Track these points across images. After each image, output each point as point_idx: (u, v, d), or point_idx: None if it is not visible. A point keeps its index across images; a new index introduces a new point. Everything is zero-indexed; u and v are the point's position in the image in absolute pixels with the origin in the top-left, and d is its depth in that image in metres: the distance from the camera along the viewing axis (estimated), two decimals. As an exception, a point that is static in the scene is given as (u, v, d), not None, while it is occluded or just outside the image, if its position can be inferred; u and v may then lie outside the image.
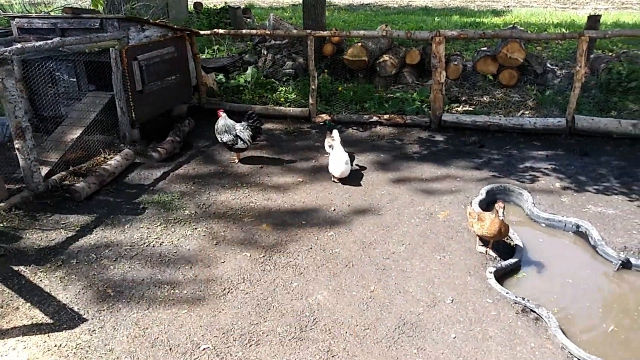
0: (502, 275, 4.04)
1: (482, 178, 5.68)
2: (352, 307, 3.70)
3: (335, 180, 5.74)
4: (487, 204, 5.17)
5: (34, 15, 7.50)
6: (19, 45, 5.16)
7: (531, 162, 6.10)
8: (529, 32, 10.29)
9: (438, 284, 3.92)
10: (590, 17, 9.50)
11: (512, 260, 4.13)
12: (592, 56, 9.01)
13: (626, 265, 4.11)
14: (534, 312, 3.54)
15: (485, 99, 8.33)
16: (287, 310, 3.69)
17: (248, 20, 13.64)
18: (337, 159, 5.65)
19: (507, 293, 3.72)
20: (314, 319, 3.59)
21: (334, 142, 5.98)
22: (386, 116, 7.55)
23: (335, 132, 6.10)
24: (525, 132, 6.96)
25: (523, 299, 3.65)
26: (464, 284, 3.89)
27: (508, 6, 19.62)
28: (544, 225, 4.81)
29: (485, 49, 9.67)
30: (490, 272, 3.95)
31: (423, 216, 4.92)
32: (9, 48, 4.95)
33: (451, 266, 4.12)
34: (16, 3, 13.59)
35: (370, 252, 4.36)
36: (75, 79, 6.69)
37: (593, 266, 4.23)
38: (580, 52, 6.53)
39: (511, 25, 10.37)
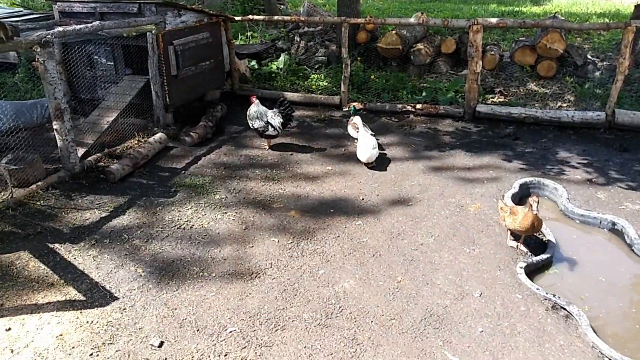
0: (532, 271, 3.95)
1: (515, 171, 5.55)
2: (379, 296, 3.69)
3: (366, 164, 5.78)
4: (520, 198, 5.06)
5: (74, -1, 7.65)
6: (60, 29, 5.28)
7: (567, 157, 5.93)
8: (571, 22, 9.95)
9: (466, 277, 3.86)
10: (637, 6, 9.09)
11: (543, 256, 4.04)
12: (637, 48, 8.65)
13: (664, 265, 3.97)
14: (565, 309, 3.46)
15: (521, 90, 8.12)
16: (314, 297, 3.70)
17: (282, 7, 13.61)
18: (364, 144, 5.72)
19: (538, 289, 3.64)
20: (340, 307, 3.60)
21: (359, 128, 6.00)
22: (419, 105, 7.44)
23: (357, 118, 6.12)
24: (562, 125, 6.75)
25: (554, 295, 3.56)
26: (493, 278, 3.83)
27: (549, -5, 18.97)
28: (578, 221, 4.68)
29: (523, 38, 9.38)
30: (521, 267, 3.87)
31: (453, 208, 4.85)
32: (51, 31, 5.07)
33: (480, 260, 4.06)
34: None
35: (398, 243, 4.33)
36: (112, 63, 6.81)
37: (628, 265, 4.09)
38: (625, 43, 6.28)
39: (552, 15, 10.02)
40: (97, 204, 4.96)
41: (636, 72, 7.94)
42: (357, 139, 6.07)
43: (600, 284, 3.88)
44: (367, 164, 5.79)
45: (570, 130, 6.65)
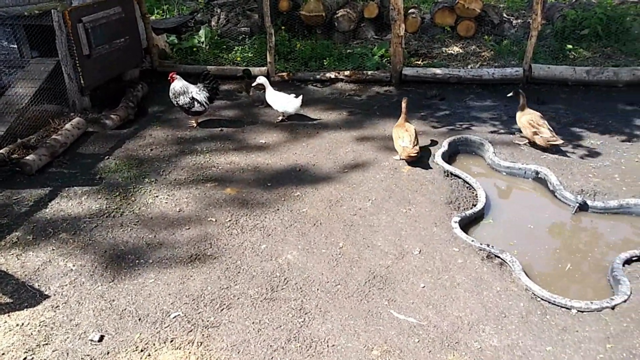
0: (467, 224, 4.11)
1: (444, 130, 5.71)
2: (322, 264, 3.70)
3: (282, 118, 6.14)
4: (450, 156, 5.22)
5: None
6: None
7: (491, 113, 6.17)
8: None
9: (405, 236, 3.96)
10: (544, -35, 9.50)
11: (475, 209, 4.21)
12: (547, 5, 9.05)
13: (583, 207, 4.25)
14: (499, 257, 3.64)
15: (444, 51, 8.31)
16: (257, 272, 3.66)
17: (198, -23, 13.02)
18: (283, 98, 5.99)
19: (473, 241, 3.80)
20: (285, 279, 3.58)
21: (267, 89, 6.06)
22: (346, 72, 7.43)
23: (262, 78, 6.11)
24: (484, 83, 7.00)
25: (488, 245, 3.73)
26: (430, 235, 3.95)
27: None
28: (505, 173, 4.90)
29: (442, 0, 9.57)
30: (455, 222, 4.01)
31: (387, 171, 4.92)
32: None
33: (417, 218, 4.16)
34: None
35: (337, 210, 4.35)
36: (15, 45, 6.26)
37: (551, 210, 4.36)
38: (537, 1, 6.53)
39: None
40: (14, 199, 4.60)
41: (548, 28, 8.33)
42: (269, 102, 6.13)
43: (527, 230, 4.10)
44: (285, 118, 6.09)
45: (492, 87, 6.91)
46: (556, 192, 4.46)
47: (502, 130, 5.65)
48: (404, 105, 5.24)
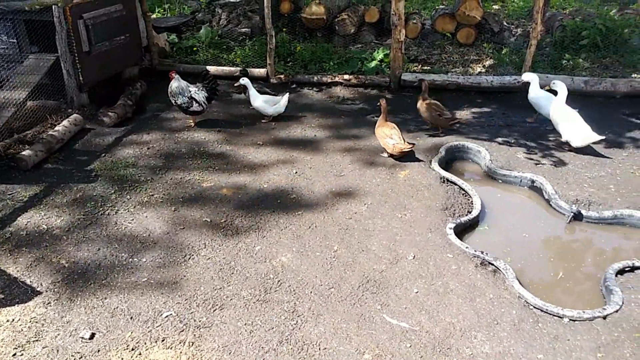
0: (461, 231, 4.12)
1: (441, 137, 5.71)
2: (316, 267, 3.70)
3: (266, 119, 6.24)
4: (447, 162, 5.23)
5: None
6: (-53, 2, 4.74)
7: (489, 120, 6.18)
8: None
9: (400, 241, 3.96)
10: (545, -26, 9.55)
11: (470, 216, 4.22)
12: (547, 14, 9.10)
13: (577, 217, 4.26)
14: (492, 264, 3.64)
15: (443, 57, 8.33)
16: (251, 274, 3.65)
17: (200, -23, 13.04)
18: (264, 100, 6.12)
19: (467, 247, 3.80)
20: (279, 281, 3.58)
21: (250, 90, 6.11)
22: (346, 76, 7.45)
23: (244, 79, 6.14)
24: (482, 90, 7.02)
25: (482, 252, 3.74)
26: (425, 241, 3.95)
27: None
28: (501, 181, 4.91)
29: (443, 7, 9.61)
30: (450, 228, 4.02)
31: (384, 176, 4.93)
32: (-64, 5, 4.54)
33: (412, 224, 4.17)
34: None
35: (333, 213, 4.35)
36: (15, 40, 6.23)
37: (547, 219, 4.37)
38: (537, 9, 6.57)
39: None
40: (9, 195, 4.58)
41: (547, 37, 8.37)
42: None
43: (522, 238, 4.11)
44: (271, 119, 6.21)
45: (491, 95, 6.93)
46: (551, 201, 4.47)
47: (498, 138, 5.66)
48: (383, 104, 5.32)
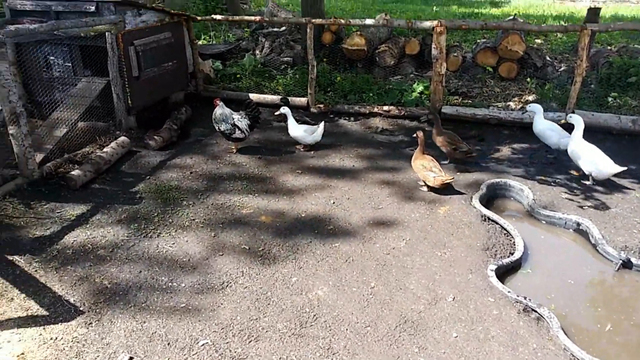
0: (503, 273, 4.02)
1: (482, 172, 5.64)
2: (353, 303, 3.67)
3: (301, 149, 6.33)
4: (488, 199, 5.15)
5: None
6: (11, 28, 5.02)
7: (531, 157, 6.07)
8: (530, 24, 10.22)
9: (439, 281, 3.89)
10: (590, 10, 9.46)
11: (513, 258, 4.11)
12: (592, 50, 8.97)
13: (627, 265, 4.10)
14: (536, 311, 3.52)
15: (484, 91, 8.28)
16: (287, 306, 3.65)
17: (244, 6, 13.46)
18: (302, 129, 6.23)
19: (509, 292, 3.70)
20: (314, 315, 3.56)
21: (289, 119, 6.24)
22: (385, 107, 7.48)
23: (285, 109, 6.27)
24: (524, 126, 6.90)
25: (525, 298, 3.63)
26: (465, 282, 3.87)
27: (507, -3, 19.49)
28: (544, 222, 4.79)
29: (485, 40, 9.60)
30: (492, 270, 3.93)
31: (423, 211, 4.88)
32: (2, 30, 4.81)
33: (452, 263, 4.10)
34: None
35: (370, 247, 4.32)
36: (70, 64, 6.54)
37: (593, 265, 4.22)
38: (582, 46, 6.48)
39: (512, 17, 10.28)
40: (58, 213, 4.74)
41: (592, 74, 8.23)
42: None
43: (567, 284, 3.98)
44: (304, 146, 6.31)
45: (533, 131, 6.80)
46: (598, 247, 4.32)
47: (542, 176, 5.55)
48: (420, 136, 5.34)
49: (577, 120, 5.43)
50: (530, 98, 7.88)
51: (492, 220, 4.66)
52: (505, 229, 4.53)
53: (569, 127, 5.66)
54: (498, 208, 5.10)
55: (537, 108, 5.95)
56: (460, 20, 7.23)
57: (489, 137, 6.68)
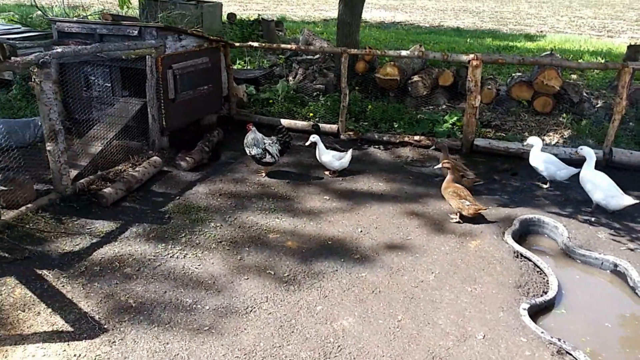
0: (536, 312, 3.86)
1: (514, 207, 5.50)
2: (379, 336, 3.57)
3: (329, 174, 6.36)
4: (521, 235, 5.00)
5: (74, 20, 7.63)
6: (59, 49, 5.22)
7: (566, 194, 5.91)
8: (569, 60, 10.09)
9: (469, 317, 3.76)
10: (630, 47, 9.32)
11: (546, 297, 3.96)
12: (631, 88, 8.77)
13: (669, 310, 3.90)
14: (571, 354, 3.36)
15: (518, 125, 8.16)
16: (311, 335, 3.57)
17: (280, 33, 13.72)
18: (330, 155, 6.27)
19: (542, 332, 3.55)
20: (339, 346, 3.47)
21: (318, 145, 6.25)
22: (416, 137, 7.42)
23: (315, 137, 6.26)
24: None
25: (559, 339, 3.47)
26: (496, 320, 3.73)
27: (541, 31, 19.40)
28: (579, 261, 4.62)
29: (520, 74, 9.52)
30: (524, 309, 3.78)
31: (453, 244, 4.77)
32: (50, 52, 5.01)
33: (483, 299, 3.96)
34: (55, 5, 13.94)
35: (397, 279, 4.23)
36: (109, 84, 6.74)
37: (632, 308, 4.03)
38: (623, 84, 6.34)
39: (549, 52, 10.19)
40: (88, 229, 4.81)
41: (631, 112, 8.03)
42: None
43: (603, 327, 3.79)
44: (332, 172, 6.34)
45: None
46: (637, 289, 4.13)
47: (577, 214, 5.38)
48: (450, 164, 5.40)
49: (588, 153, 5.51)
50: (566, 134, 7.72)
51: (525, 257, 4.51)
52: (538, 267, 4.38)
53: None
54: (531, 245, 4.95)
55: (536, 141, 6.08)
56: (497, 55, 7.20)
57: (521, 172, 6.53)
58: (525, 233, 5.11)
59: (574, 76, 10.54)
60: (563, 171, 5.85)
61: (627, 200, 5.12)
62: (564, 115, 8.26)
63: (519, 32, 18.85)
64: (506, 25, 21.56)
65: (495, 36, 17.06)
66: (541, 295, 4.00)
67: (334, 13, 19.44)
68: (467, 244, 4.78)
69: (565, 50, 13.36)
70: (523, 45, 14.61)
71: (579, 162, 5.77)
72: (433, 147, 6.80)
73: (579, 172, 5.55)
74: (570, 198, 5.80)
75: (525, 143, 6.29)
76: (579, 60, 11.18)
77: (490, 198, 5.76)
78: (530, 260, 4.46)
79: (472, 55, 6.83)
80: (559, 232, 4.96)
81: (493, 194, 5.85)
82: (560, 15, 26.20)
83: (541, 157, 6.00)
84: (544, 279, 4.25)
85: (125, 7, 9.62)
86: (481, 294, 4.02)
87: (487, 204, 5.55)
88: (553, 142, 7.40)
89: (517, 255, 4.55)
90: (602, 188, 5.28)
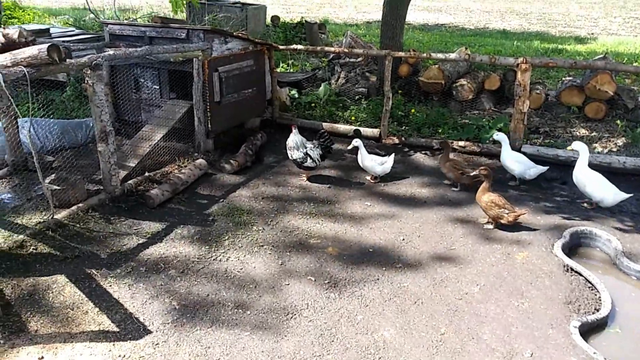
0: (587, 331, 3.70)
1: (564, 218, 5.30)
2: (421, 349, 3.49)
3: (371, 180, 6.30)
4: (570, 248, 4.80)
5: (125, 22, 7.86)
6: (110, 52, 5.38)
7: (620, 205, 5.63)
8: (624, 64, 9.67)
9: (516, 333, 3.63)
10: (691, 51, 8.79)
11: (599, 315, 3.78)
12: (692, 93, 8.32)
13: None
14: (626, 379, 3.20)
15: (568, 131, 7.86)
16: (352, 345, 3.53)
17: (323, 35, 13.71)
18: (372, 160, 6.21)
19: (595, 353, 3.39)
20: (380, 358, 3.42)
21: (360, 150, 6.23)
22: (461, 143, 7.26)
23: (357, 141, 6.25)
24: (612, 171, 6.43)
25: (613, 362, 3.31)
26: (544, 337, 3.59)
27: (592, 33, 18.64)
28: (634, 277, 4.39)
29: (570, 78, 9.15)
30: (575, 327, 3.62)
31: (499, 256, 4.63)
32: (102, 54, 5.16)
33: (530, 315, 3.82)
34: (107, 8, 14.42)
35: (441, 290, 4.13)
36: (158, 86, 6.90)
37: (693, 331, 3.79)
38: (684, 90, 6.00)
39: (602, 55, 9.76)
40: (135, 230, 4.93)
41: (692, 119, 7.61)
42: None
43: (662, 351, 3.59)
44: (373, 177, 6.31)
45: (622, 177, 6.34)
46: (699, 311, 3.89)
47: (632, 226, 5.12)
48: (486, 172, 5.26)
49: (582, 148, 5.58)
50: (620, 142, 7.38)
51: (576, 272, 4.33)
52: (589, 282, 4.19)
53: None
54: (582, 258, 4.75)
55: (503, 138, 6.14)
56: (547, 58, 6.96)
57: (572, 181, 6.27)
58: (576, 245, 4.90)
59: (628, 80, 10.07)
60: (533, 169, 5.99)
61: (623, 195, 5.26)
62: (618, 121, 7.90)
63: (568, 34, 18.18)
64: (555, 27, 20.84)
65: (543, 39, 16.51)
66: (593, 313, 3.82)
67: (376, 15, 19.33)
68: (514, 255, 4.63)
69: (619, 53, 12.80)
70: (573, 48, 14.07)
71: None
72: (437, 144, 6.96)
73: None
74: (624, 210, 5.53)
75: (569, 148, 6.08)
76: (635, 64, 10.68)
77: (538, 207, 5.56)
78: (581, 274, 4.28)
79: (521, 59, 6.62)
80: (612, 246, 4.73)
81: (541, 203, 5.65)
82: (614, 16, 25.12)
83: (511, 156, 6.11)
84: (595, 295, 4.06)
85: (178, 10, 9.80)
86: (529, 309, 3.88)
87: (535, 214, 5.37)
88: (606, 151, 7.09)
89: (567, 269, 4.37)
90: (599, 186, 5.39)
